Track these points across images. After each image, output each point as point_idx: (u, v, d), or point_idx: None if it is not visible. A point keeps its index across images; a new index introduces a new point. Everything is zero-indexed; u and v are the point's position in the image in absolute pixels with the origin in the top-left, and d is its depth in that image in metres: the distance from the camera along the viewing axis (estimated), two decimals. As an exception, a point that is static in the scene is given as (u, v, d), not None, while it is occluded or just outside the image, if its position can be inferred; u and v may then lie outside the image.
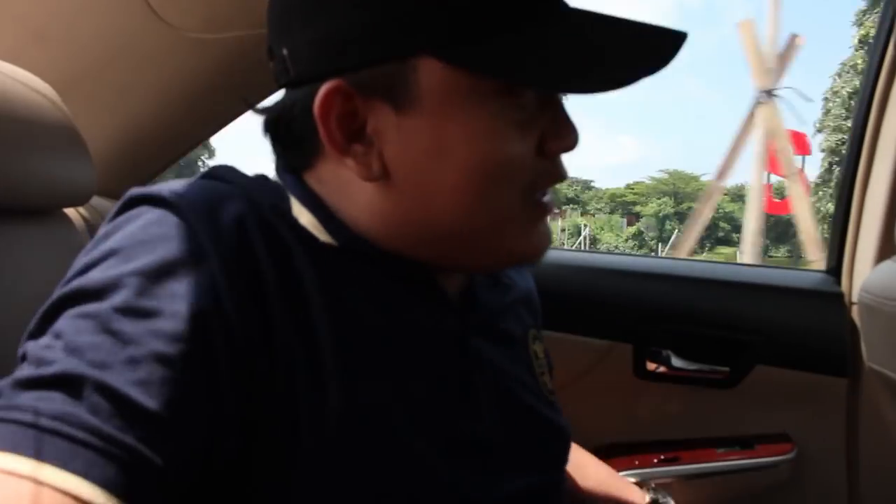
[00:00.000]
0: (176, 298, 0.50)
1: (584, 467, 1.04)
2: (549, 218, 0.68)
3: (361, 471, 0.57)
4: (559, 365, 1.48)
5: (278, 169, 0.69)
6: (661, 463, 1.43)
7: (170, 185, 0.58)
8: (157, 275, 0.51)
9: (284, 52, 0.62)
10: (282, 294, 0.56)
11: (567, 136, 0.64)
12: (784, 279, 1.50)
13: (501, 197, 0.62)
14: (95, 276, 0.51)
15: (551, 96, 0.64)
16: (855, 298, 1.34)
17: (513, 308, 0.82)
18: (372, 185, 0.63)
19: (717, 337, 1.44)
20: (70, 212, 1.05)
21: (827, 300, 1.43)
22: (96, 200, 1.10)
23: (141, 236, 0.53)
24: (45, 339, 0.49)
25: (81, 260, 0.54)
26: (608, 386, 1.48)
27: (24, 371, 0.47)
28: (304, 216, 0.64)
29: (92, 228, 1.09)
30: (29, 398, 0.45)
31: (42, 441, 0.43)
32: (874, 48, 1.33)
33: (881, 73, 1.30)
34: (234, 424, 0.52)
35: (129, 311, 0.49)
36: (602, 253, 1.90)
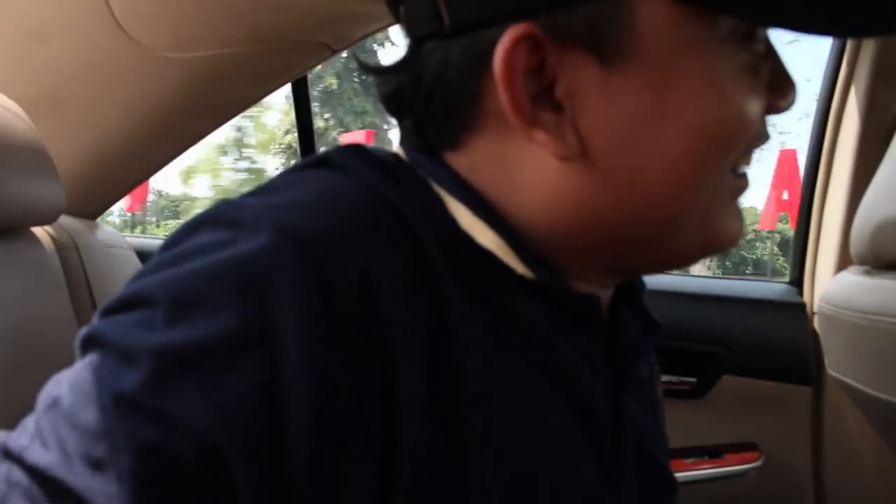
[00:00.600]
0: (194, 405, 0.35)
1: None
2: None
3: None
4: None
5: (406, 149, 0.52)
6: (631, 474, 1.44)
7: (268, 198, 0.43)
8: (187, 361, 0.36)
9: None
10: (425, 384, 0.41)
11: (789, 92, 0.50)
12: (748, 291, 1.54)
13: (720, 168, 0.48)
14: (118, 333, 0.38)
15: (770, 42, 0.49)
16: (816, 309, 1.37)
17: (652, 340, 0.63)
18: (558, 168, 0.46)
19: (684, 349, 1.47)
20: (38, 230, 1.05)
21: (790, 311, 1.47)
22: (65, 219, 1.10)
23: (190, 290, 0.37)
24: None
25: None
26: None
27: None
28: (483, 234, 0.47)
29: (60, 247, 1.09)
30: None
31: None
32: (828, 66, 1.38)
33: (835, 91, 1.35)
34: None
35: (127, 406, 0.35)
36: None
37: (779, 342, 1.45)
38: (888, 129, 1.22)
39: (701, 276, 1.74)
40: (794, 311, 1.46)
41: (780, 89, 0.49)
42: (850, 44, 1.30)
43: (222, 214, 0.42)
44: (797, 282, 1.52)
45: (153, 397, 0.35)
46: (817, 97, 1.42)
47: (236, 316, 0.36)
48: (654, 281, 1.59)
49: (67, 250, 1.11)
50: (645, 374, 0.64)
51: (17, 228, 0.97)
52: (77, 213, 1.27)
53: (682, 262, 0.53)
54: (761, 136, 0.49)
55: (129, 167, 1.32)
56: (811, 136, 1.46)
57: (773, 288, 1.57)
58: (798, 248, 1.52)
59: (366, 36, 1.24)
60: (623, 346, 0.55)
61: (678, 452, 1.47)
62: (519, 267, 0.47)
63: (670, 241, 0.49)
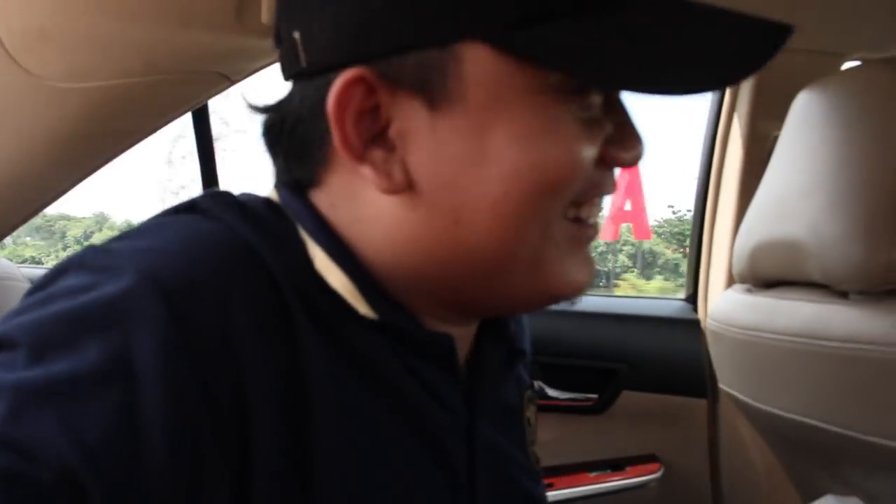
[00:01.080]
0: (52, 436, 0.36)
1: None
2: (588, 247, 0.55)
3: None
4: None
5: (279, 189, 0.54)
6: (538, 489, 1.48)
7: (133, 242, 0.45)
8: (46, 395, 0.37)
9: (296, 35, 0.49)
10: (277, 404, 0.44)
11: (635, 146, 0.52)
12: (646, 308, 1.59)
13: (548, 213, 0.50)
14: None
15: (617, 96, 0.52)
16: (705, 325, 1.44)
17: (519, 370, 0.69)
18: (391, 202, 0.49)
19: (586, 366, 1.51)
20: (-77, 266, 1.02)
21: (685, 327, 1.53)
22: (-47, 253, 1.07)
23: (53, 332, 0.39)
24: None
25: None
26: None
27: None
28: (335, 277, 0.50)
29: (-53, 282, 1.06)
30: None
31: None
32: (713, 97, 1.45)
33: (720, 119, 1.42)
34: None
35: None
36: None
37: (675, 357, 1.51)
38: (767, 155, 1.29)
39: (601, 294, 1.79)
40: (689, 327, 1.52)
41: (622, 143, 0.51)
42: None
43: (88, 259, 0.44)
44: (692, 298, 1.58)
45: (12, 430, 0.36)
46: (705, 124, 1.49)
47: (97, 352, 0.38)
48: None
49: None
50: (514, 401, 0.66)
51: None
52: (-33, 245, 1.24)
53: (522, 306, 0.56)
54: (602, 185, 0.52)
55: (23, 198, 1.28)
56: (701, 161, 1.53)
57: (669, 305, 1.63)
58: (692, 266, 1.59)
59: (264, 66, 1.24)
60: (480, 380, 0.59)
61: (582, 467, 1.52)
62: (362, 307, 0.50)
63: (502, 283, 0.52)
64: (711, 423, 1.50)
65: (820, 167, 0.76)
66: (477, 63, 0.46)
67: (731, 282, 1.42)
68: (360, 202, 0.51)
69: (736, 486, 1.49)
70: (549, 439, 1.53)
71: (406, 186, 0.48)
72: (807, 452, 0.91)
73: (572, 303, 0.55)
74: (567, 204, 0.50)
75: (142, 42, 1.13)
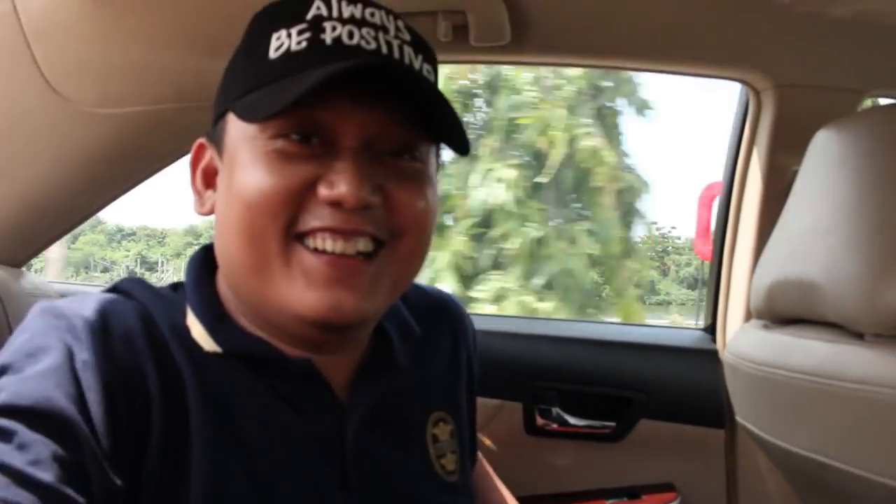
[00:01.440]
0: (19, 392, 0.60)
1: None
2: (339, 279, 0.68)
3: None
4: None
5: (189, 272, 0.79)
6: (553, 516, 1.48)
7: (75, 303, 0.68)
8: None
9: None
10: (164, 404, 0.65)
11: (337, 185, 0.66)
12: (665, 338, 1.60)
13: (261, 228, 0.68)
14: None
15: (340, 141, 0.68)
16: (723, 358, 1.44)
17: (415, 391, 0.83)
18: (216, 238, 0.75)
19: (603, 394, 1.51)
20: (-42, 282, 1.06)
21: (703, 357, 1.53)
22: (-11, 269, 1.10)
23: (27, 348, 0.64)
24: None
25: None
26: (500, 443, 1.53)
27: None
28: (195, 327, 0.72)
29: (-16, 297, 1.09)
30: None
31: None
32: (734, 129, 1.46)
33: (740, 151, 1.43)
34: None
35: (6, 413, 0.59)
36: (493, 316, 1.96)
37: (693, 387, 1.51)
38: (786, 189, 1.29)
39: (619, 323, 1.79)
40: (708, 357, 1.52)
41: (327, 182, 0.67)
42: (751, 108, 1.38)
43: (50, 308, 0.68)
44: (710, 329, 1.58)
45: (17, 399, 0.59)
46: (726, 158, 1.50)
47: (56, 359, 0.62)
48: (575, 329, 1.65)
49: None
50: (414, 416, 0.83)
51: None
52: (4, 261, 1.27)
53: (284, 320, 0.71)
54: (324, 219, 0.67)
55: (55, 217, 1.32)
56: (722, 191, 1.54)
57: (688, 335, 1.64)
58: (711, 297, 1.59)
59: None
60: (357, 400, 0.76)
61: (598, 494, 1.51)
62: (208, 346, 0.71)
63: (252, 292, 0.71)
64: (729, 454, 1.49)
65: (836, 207, 0.77)
66: (231, 123, 0.73)
67: (749, 314, 1.42)
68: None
69: (753, 518, 1.48)
70: (566, 465, 1.53)
71: (211, 211, 0.76)
72: (823, 489, 0.91)
73: (320, 326, 0.69)
74: (283, 226, 0.68)
75: (173, 70, 1.17)
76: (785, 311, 0.90)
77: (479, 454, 1.08)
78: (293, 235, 0.68)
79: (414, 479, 0.79)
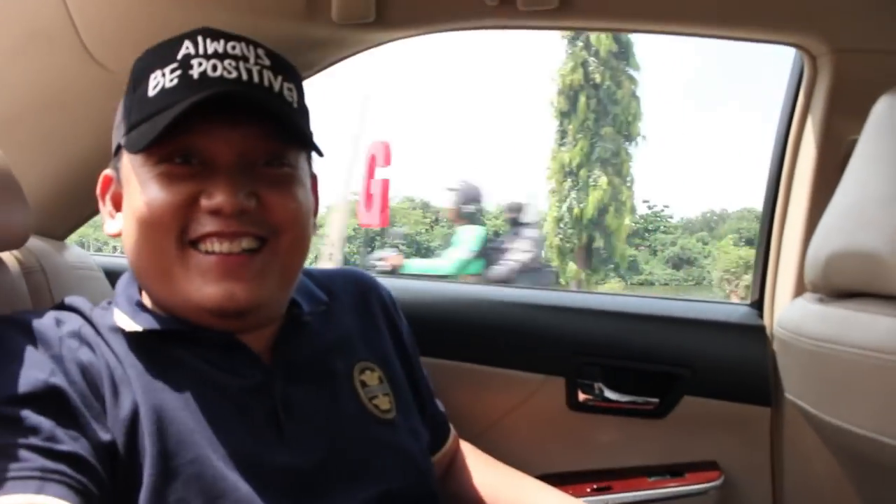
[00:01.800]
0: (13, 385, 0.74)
1: (532, 494, 1.13)
2: (228, 271, 0.84)
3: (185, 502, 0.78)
4: (492, 398, 1.51)
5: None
6: (594, 492, 1.46)
7: (31, 316, 0.85)
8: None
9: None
10: (109, 377, 0.82)
11: (214, 196, 0.83)
12: (710, 313, 1.56)
13: (157, 240, 0.85)
14: None
15: (215, 160, 0.85)
16: (773, 333, 1.40)
17: (337, 348, 1.00)
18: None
19: (646, 370, 1.49)
20: (4, 254, 1.06)
21: (750, 333, 1.49)
22: (32, 241, 1.10)
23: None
24: None
25: None
26: (542, 418, 1.51)
27: None
28: (119, 317, 0.89)
29: (27, 271, 1.09)
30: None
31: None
32: (786, 95, 1.41)
33: (793, 119, 1.38)
34: (102, 454, 0.76)
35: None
36: (535, 288, 1.94)
37: (739, 364, 1.48)
38: (843, 159, 1.25)
39: (664, 297, 1.76)
40: (754, 333, 1.49)
41: (207, 194, 0.83)
42: (806, 74, 1.33)
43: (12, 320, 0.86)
44: (758, 304, 1.54)
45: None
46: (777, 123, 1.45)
47: (32, 354, 0.79)
48: (619, 303, 1.62)
49: (34, 273, 1.11)
50: (339, 368, 0.98)
51: (-19, 254, 0.97)
52: (44, 233, 1.27)
53: (189, 310, 0.87)
54: (210, 226, 0.84)
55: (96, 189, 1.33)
56: (771, 161, 1.49)
57: (734, 310, 1.60)
58: (758, 271, 1.55)
59: (333, 63, 1.26)
60: (278, 358, 0.93)
61: (641, 471, 1.50)
62: (129, 327, 0.88)
63: (157, 289, 0.90)
64: (775, 432, 1.46)
65: (902, 175, 0.73)
66: (124, 157, 0.90)
67: (800, 289, 1.38)
68: None
69: (799, 498, 1.45)
70: (608, 442, 1.52)
71: (120, 232, 0.92)
72: (877, 469, 0.88)
73: (221, 314, 0.86)
74: (176, 236, 0.84)
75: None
76: (843, 284, 0.87)
77: (454, 433, 1.23)
78: (186, 242, 0.85)
79: (345, 417, 0.93)
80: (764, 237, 1.52)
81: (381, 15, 1.16)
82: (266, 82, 0.88)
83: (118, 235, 0.93)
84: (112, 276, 1.37)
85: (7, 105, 1.18)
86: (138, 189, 0.86)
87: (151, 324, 0.88)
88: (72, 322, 0.86)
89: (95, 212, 1.39)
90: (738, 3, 1.18)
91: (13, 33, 1.14)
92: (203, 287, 0.84)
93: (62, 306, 0.91)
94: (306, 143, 0.91)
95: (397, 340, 1.12)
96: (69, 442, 0.73)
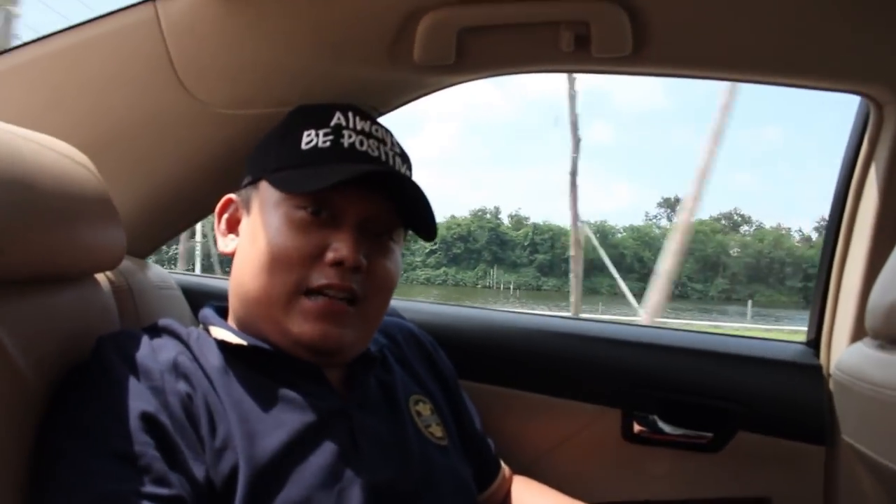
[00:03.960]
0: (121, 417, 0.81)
1: None
2: (330, 315, 0.95)
3: None
4: (548, 427, 1.54)
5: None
6: (648, 523, 1.48)
7: (131, 342, 0.91)
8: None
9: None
10: (205, 407, 0.88)
11: (339, 251, 0.95)
12: (765, 351, 1.57)
13: (278, 279, 0.96)
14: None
15: (343, 218, 0.98)
16: (831, 374, 1.41)
17: (394, 383, 1.10)
18: (232, 272, 1.04)
19: (702, 404, 1.51)
20: (98, 274, 1.11)
21: (806, 372, 1.50)
22: (122, 262, 1.16)
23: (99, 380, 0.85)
24: None
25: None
26: (597, 448, 1.53)
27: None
28: (221, 334, 0.99)
29: (117, 290, 1.15)
30: None
31: None
32: (850, 139, 1.43)
33: (857, 162, 1.40)
34: (200, 492, 0.82)
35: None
36: (593, 322, 1.96)
37: (794, 402, 1.49)
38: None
39: (719, 334, 1.77)
40: (811, 372, 1.50)
41: (332, 247, 0.96)
42: (871, 121, 1.34)
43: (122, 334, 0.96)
44: (814, 343, 1.55)
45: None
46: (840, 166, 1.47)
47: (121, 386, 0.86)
48: (675, 337, 1.64)
49: (123, 293, 1.16)
50: (400, 399, 1.08)
51: (82, 275, 1.03)
52: (129, 252, 1.33)
53: (289, 344, 0.98)
54: (326, 277, 0.95)
55: (179, 212, 1.39)
56: (832, 200, 1.51)
57: (789, 348, 1.61)
58: (815, 311, 1.56)
59: (411, 100, 1.31)
60: (351, 389, 1.03)
61: (693, 504, 1.51)
62: (235, 340, 0.97)
63: (261, 319, 0.99)
64: (829, 472, 1.47)
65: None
66: (262, 189, 1.02)
67: (858, 332, 1.39)
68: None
69: (853, 539, 1.45)
70: (662, 474, 1.53)
71: (233, 253, 1.05)
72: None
73: (313, 350, 0.97)
74: (297, 280, 0.96)
75: (299, 74, 1.21)
76: None
77: (507, 470, 1.31)
78: (302, 290, 0.96)
79: (409, 442, 1.02)
80: (823, 277, 1.53)
81: (461, 58, 1.20)
82: (397, 166, 1.05)
83: (231, 255, 1.05)
84: (189, 294, 1.43)
85: (102, 130, 1.24)
86: (273, 224, 0.98)
87: (254, 341, 0.98)
88: (169, 349, 0.92)
89: (177, 233, 1.45)
90: (807, 51, 1.20)
91: (112, 63, 1.20)
92: (304, 324, 0.96)
93: (155, 329, 0.99)
94: (430, 229, 1.04)
95: (439, 379, 1.22)
96: (176, 485, 0.79)
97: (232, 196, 1.09)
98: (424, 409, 1.12)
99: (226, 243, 1.07)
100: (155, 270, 1.37)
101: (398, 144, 1.08)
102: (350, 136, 1.00)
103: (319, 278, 0.95)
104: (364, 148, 1.01)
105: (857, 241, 1.42)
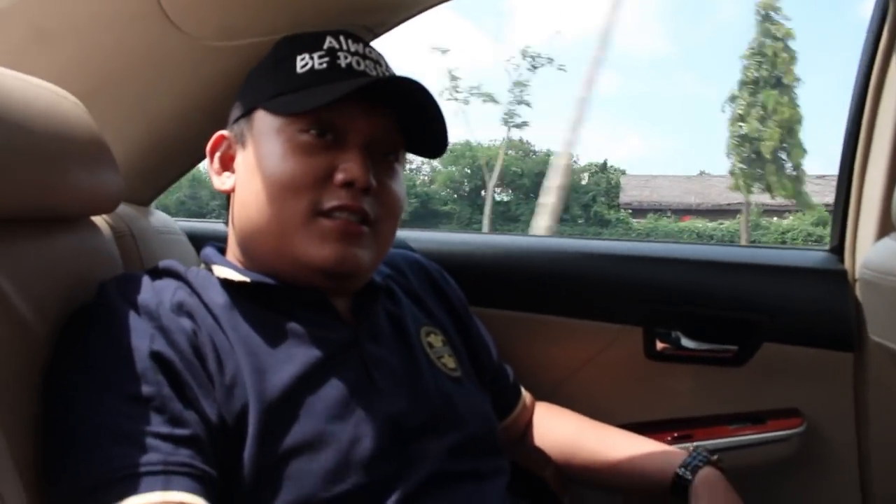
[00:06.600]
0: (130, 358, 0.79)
1: (614, 440, 1.20)
2: (347, 236, 0.92)
3: (291, 450, 0.82)
4: (570, 349, 1.52)
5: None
6: (675, 441, 1.47)
7: (133, 284, 0.89)
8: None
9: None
10: (212, 345, 0.86)
11: (349, 171, 0.91)
12: (788, 259, 1.54)
13: (288, 206, 0.92)
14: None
15: (349, 139, 0.94)
16: (857, 275, 1.37)
17: (403, 313, 1.08)
18: (232, 199, 1.02)
19: (725, 317, 1.48)
20: (96, 218, 1.09)
21: (831, 278, 1.47)
22: (121, 207, 1.13)
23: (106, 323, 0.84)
24: None
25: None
26: (620, 368, 1.52)
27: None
28: (223, 272, 0.96)
29: (118, 235, 1.13)
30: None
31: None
32: (869, 31, 1.37)
33: (876, 58, 1.34)
34: (214, 430, 0.80)
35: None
36: (611, 239, 1.93)
37: (820, 309, 1.46)
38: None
39: (741, 245, 1.74)
40: (836, 278, 1.46)
41: (341, 168, 0.92)
42: (891, 11, 1.28)
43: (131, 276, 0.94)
44: (838, 249, 1.51)
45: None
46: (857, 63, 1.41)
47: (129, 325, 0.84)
48: (692, 251, 1.61)
49: (124, 238, 1.15)
50: (411, 330, 1.06)
51: (79, 217, 1.01)
52: (130, 199, 1.31)
53: (297, 273, 0.95)
54: (340, 198, 0.92)
55: (179, 154, 1.35)
56: (850, 104, 1.45)
57: (813, 256, 1.57)
58: (838, 216, 1.52)
59: (405, 19, 1.26)
60: (360, 317, 1.00)
61: (720, 419, 1.49)
62: (237, 278, 0.95)
63: (271, 250, 0.95)
64: (858, 378, 1.44)
65: None
66: (255, 119, 0.98)
67: (883, 230, 1.35)
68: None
69: (885, 443, 1.43)
70: (688, 390, 1.51)
71: (232, 189, 1.01)
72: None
73: (334, 275, 0.95)
74: (309, 203, 0.92)
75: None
76: None
77: (528, 396, 1.28)
78: (317, 212, 0.92)
79: (422, 373, 1.00)
80: (844, 182, 1.48)
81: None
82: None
83: (229, 192, 1.02)
84: (194, 240, 1.41)
85: (90, 73, 1.20)
86: (276, 152, 0.94)
87: (258, 277, 0.95)
88: (171, 289, 0.90)
89: (177, 177, 1.42)
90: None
91: (96, 4, 1.16)
92: (322, 246, 0.92)
93: (157, 271, 0.96)
94: (439, 142, 1.02)
95: (449, 309, 1.20)
96: (192, 424, 0.77)
97: (223, 132, 1.05)
98: (436, 340, 1.10)
99: (222, 181, 1.03)
100: (158, 216, 1.35)
101: (391, 68, 1.05)
102: (346, 57, 0.98)
103: (331, 200, 0.92)
104: (361, 68, 0.98)
105: (879, 138, 1.37)
